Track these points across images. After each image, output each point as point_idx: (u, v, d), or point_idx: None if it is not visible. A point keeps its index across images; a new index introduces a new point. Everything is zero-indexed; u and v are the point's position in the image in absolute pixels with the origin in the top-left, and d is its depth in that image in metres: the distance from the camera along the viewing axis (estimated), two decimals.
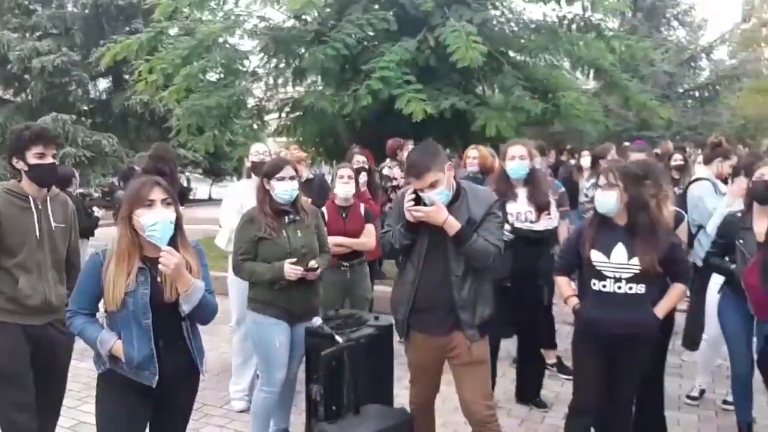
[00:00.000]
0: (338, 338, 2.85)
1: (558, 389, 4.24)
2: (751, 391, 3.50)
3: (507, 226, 3.66)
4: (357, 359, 2.80)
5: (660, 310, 2.85)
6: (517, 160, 3.82)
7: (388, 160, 7.01)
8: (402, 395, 3.27)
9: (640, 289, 2.78)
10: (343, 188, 4.14)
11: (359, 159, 5.44)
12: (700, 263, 3.98)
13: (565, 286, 3.11)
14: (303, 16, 9.91)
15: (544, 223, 3.85)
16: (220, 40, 9.27)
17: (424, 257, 2.75)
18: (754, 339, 3.37)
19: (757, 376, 3.35)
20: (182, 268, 2.26)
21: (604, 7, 9.60)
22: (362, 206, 4.34)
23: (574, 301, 2.99)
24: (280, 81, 10.14)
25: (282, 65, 9.96)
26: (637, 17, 17.17)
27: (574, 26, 9.69)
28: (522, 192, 3.87)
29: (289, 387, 3.35)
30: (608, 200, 2.82)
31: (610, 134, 15.14)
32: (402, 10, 9.27)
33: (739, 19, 25.44)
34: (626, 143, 12.01)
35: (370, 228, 4.22)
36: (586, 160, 7.40)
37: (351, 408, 2.73)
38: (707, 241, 3.88)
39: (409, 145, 6.79)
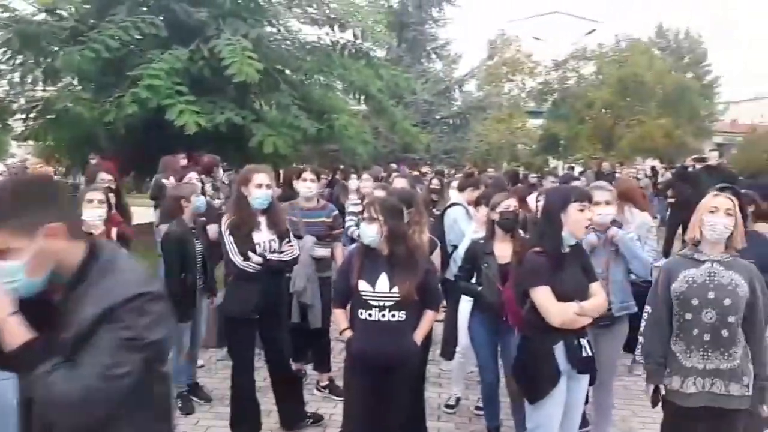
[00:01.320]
0: None
1: (332, 411, 4.33)
2: (498, 397, 3.96)
3: (257, 258, 3.65)
4: None
5: (417, 337, 3.07)
6: (264, 188, 3.74)
7: (202, 177, 6.53)
8: None
9: (401, 316, 2.96)
10: (92, 213, 3.74)
11: (104, 178, 4.83)
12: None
13: (340, 319, 3.18)
14: (57, 11, 8.86)
15: (289, 252, 3.85)
16: None
17: None
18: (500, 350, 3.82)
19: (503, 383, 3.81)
20: None
21: (372, 37, 10.26)
22: (114, 231, 3.99)
23: (349, 333, 3.09)
24: (28, 79, 8.90)
25: (31, 62, 8.75)
26: (402, 48, 18.70)
27: (346, 52, 10.19)
28: (263, 220, 3.78)
29: None
30: (370, 233, 2.98)
31: (378, 155, 16.24)
32: (173, 17, 8.83)
33: (485, 56, 29.26)
34: (393, 164, 12.99)
35: None
36: (353, 183, 7.61)
37: None
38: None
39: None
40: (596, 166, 18.33)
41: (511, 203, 3.69)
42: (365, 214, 3.02)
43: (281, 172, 7.56)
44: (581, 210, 2.86)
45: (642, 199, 4.86)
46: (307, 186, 4.50)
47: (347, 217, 5.67)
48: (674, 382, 2.76)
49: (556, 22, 44.07)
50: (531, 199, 5.92)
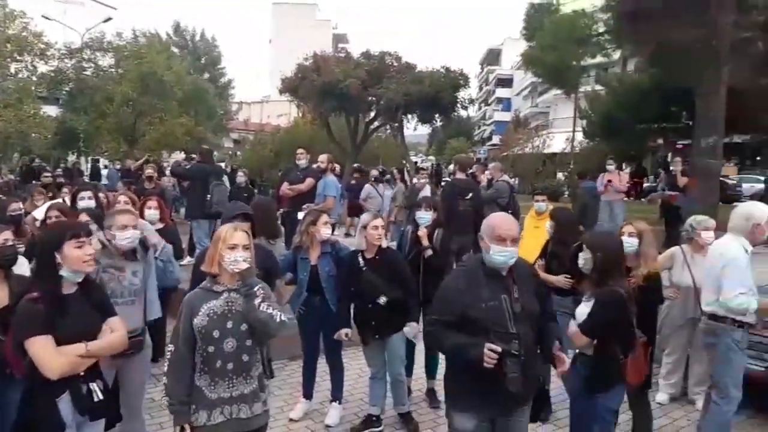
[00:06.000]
0: None
1: None
2: None
3: None
4: None
5: None
6: None
7: None
8: None
9: None
10: None
11: None
12: None
13: None
14: None
15: None
16: None
17: None
18: None
19: None
20: None
21: None
22: None
23: None
24: None
25: None
26: None
27: None
28: None
29: None
30: None
31: None
32: None
33: None
34: None
35: None
36: None
37: None
38: None
39: None
40: (122, 163, 18.03)
41: (4, 236, 3.29)
42: None
43: None
44: (79, 246, 2.76)
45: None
46: None
47: None
48: (201, 418, 2.75)
49: (69, 3, 40.85)
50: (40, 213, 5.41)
